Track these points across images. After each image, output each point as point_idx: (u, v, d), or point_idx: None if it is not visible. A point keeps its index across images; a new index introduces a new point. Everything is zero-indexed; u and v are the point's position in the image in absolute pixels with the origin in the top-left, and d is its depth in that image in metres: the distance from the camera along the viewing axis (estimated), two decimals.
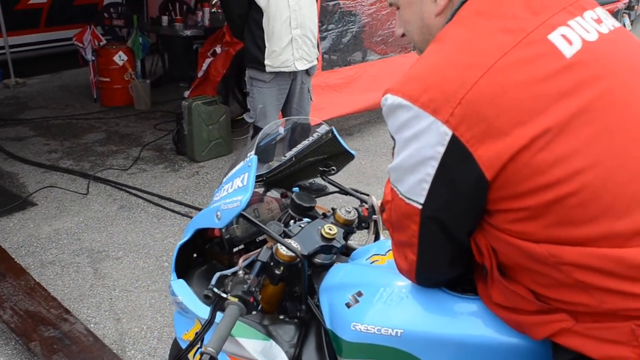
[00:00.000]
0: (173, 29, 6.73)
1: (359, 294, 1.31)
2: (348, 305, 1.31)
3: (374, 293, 1.29)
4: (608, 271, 0.92)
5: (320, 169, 1.76)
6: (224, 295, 1.37)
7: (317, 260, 1.53)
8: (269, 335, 1.46)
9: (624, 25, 9.42)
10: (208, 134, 5.14)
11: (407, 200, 1.06)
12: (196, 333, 1.46)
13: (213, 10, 7.55)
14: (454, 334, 1.16)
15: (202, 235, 1.71)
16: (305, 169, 1.79)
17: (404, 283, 1.27)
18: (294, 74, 4.10)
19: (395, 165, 1.06)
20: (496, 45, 0.97)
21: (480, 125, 0.94)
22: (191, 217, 4.13)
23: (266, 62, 3.96)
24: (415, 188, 1.03)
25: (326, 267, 1.50)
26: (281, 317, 1.51)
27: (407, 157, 1.02)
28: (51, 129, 5.90)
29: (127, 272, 3.47)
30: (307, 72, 4.19)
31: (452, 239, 1.07)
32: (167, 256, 3.64)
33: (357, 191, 1.75)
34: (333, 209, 1.66)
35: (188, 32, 6.69)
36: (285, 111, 4.29)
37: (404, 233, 1.11)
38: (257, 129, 4.19)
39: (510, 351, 1.13)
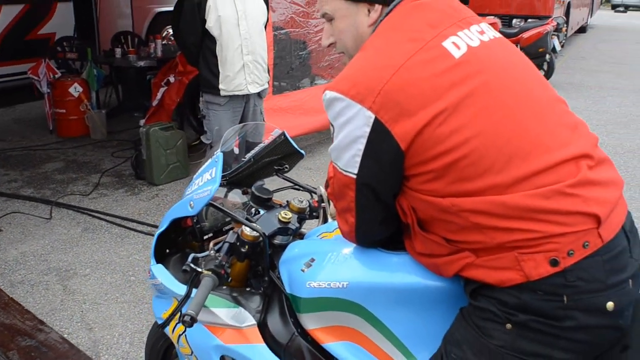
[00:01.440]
0: (127, 61, 6.95)
1: (312, 260, 1.60)
2: (303, 271, 1.59)
3: (323, 258, 1.58)
4: (494, 213, 1.23)
5: (275, 167, 2.05)
6: (199, 269, 1.63)
7: (276, 241, 1.81)
8: (238, 303, 1.72)
9: (554, 46, 10.09)
10: (166, 159, 5.37)
11: (345, 173, 1.36)
12: (176, 308, 1.71)
13: (164, 42, 7.83)
14: (388, 282, 1.46)
15: (175, 229, 1.96)
16: (262, 169, 2.07)
17: (348, 248, 1.56)
18: (247, 97, 4.39)
19: (334, 146, 1.36)
20: (404, 51, 1.29)
21: (395, 109, 1.25)
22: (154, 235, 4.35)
23: (221, 86, 4.25)
24: (350, 161, 1.33)
25: (284, 247, 1.78)
26: (248, 289, 1.78)
27: (343, 137, 1.32)
28: (9, 159, 6.01)
29: (96, 287, 3.66)
30: (259, 94, 4.49)
31: (381, 201, 1.38)
32: (134, 271, 3.84)
33: (308, 185, 2.05)
34: (287, 201, 1.95)
35: (142, 63, 6.93)
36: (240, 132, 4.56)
37: (344, 200, 1.41)
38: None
39: (433, 291, 1.43)
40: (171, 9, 10.32)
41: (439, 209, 1.29)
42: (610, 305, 1.21)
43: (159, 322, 1.94)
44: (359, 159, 1.31)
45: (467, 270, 1.31)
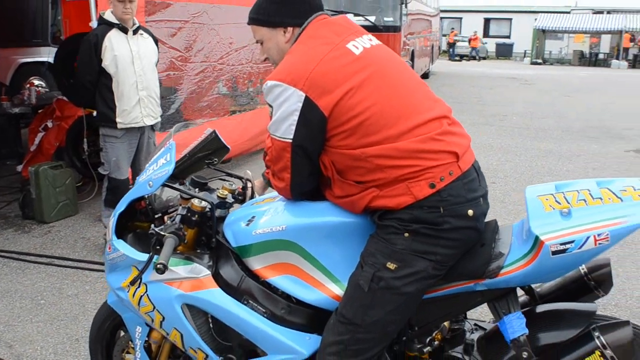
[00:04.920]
0: (1, 108, 6.93)
1: (252, 217, 2.07)
2: (247, 225, 2.05)
3: (262, 214, 2.05)
4: (391, 156, 1.79)
5: (206, 161, 2.49)
6: (163, 233, 2.02)
7: (216, 214, 2.24)
8: (193, 261, 2.13)
9: None
10: (56, 197, 5.49)
11: (282, 139, 1.86)
12: (141, 271, 2.07)
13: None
14: (315, 222, 1.96)
15: (127, 214, 2.32)
16: (195, 164, 2.50)
17: (281, 205, 2.05)
18: (142, 130, 4.75)
19: (273, 120, 1.86)
20: (321, 51, 1.85)
21: (319, 89, 1.79)
22: (55, 266, 4.50)
23: (118, 120, 4.57)
24: (287, 130, 1.84)
25: (223, 219, 2.23)
26: (198, 250, 2.19)
27: (281, 113, 1.83)
28: None
29: (6, 312, 3.77)
30: (152, 127, 4.86)
31: (310, 159, 1.89)
32: (42, 296, 3.99)
33: (234, 174, 2.52)
34: (217, 188, 2.40)
35: (17, 110, 6.95)
36: (135, 163, 4.86)
37: (281, 162, 1.91)
38: (111, 180, 4.74)
39: (349, 225, 1.95)
40: (35, 59, 10.22)
41: (352, 158, 1.83)
42: (470, 212, 1.81)
43: (118, 292, 2.27)
44: (294, 127, 1.83)
45: (374, 202, 1.85)
